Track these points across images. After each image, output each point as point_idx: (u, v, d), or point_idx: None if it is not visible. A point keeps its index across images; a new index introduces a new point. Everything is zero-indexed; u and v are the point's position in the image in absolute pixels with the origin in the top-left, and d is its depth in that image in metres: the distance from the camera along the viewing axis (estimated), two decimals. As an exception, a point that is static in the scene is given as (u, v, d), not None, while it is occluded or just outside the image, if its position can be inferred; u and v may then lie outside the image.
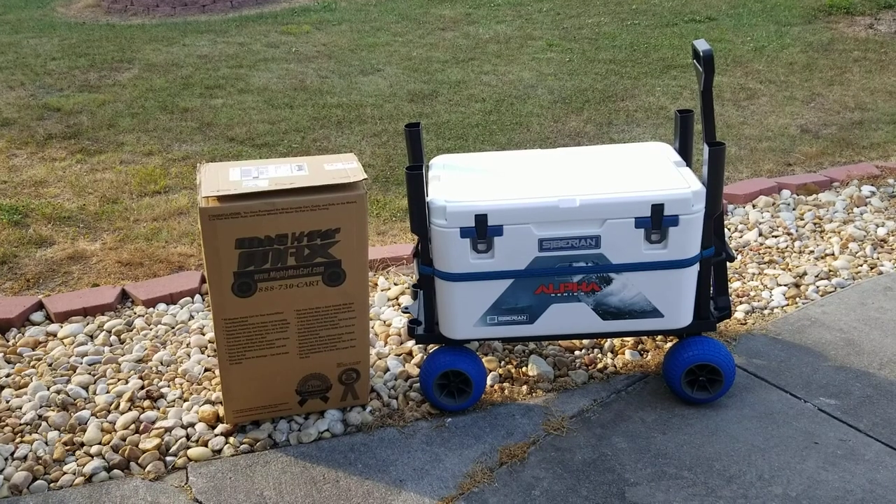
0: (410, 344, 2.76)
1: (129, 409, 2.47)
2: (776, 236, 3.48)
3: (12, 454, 2.30)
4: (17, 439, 2.36)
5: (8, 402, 2.51)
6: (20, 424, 2.41)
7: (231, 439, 2.36)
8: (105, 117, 4.98)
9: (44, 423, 2.42)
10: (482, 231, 2.23)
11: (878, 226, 3.53)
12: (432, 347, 2.67)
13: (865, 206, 3.73)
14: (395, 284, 3.15)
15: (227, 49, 6.53)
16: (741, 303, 2.97)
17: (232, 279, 2.21)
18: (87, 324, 2.91)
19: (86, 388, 2.58)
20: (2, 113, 5.06)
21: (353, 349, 2.38)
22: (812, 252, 3.34)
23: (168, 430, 2.39)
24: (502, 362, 2.67)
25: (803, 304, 2.98)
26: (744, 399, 2.48)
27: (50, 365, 2.69)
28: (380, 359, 2.69)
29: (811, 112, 4.99)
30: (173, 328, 2.90)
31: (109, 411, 2.48)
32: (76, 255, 3.39)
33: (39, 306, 3.01)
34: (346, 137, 4.67)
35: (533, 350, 2.72)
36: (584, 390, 2.54)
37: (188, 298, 3.07)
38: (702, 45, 2.31)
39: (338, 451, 2.32)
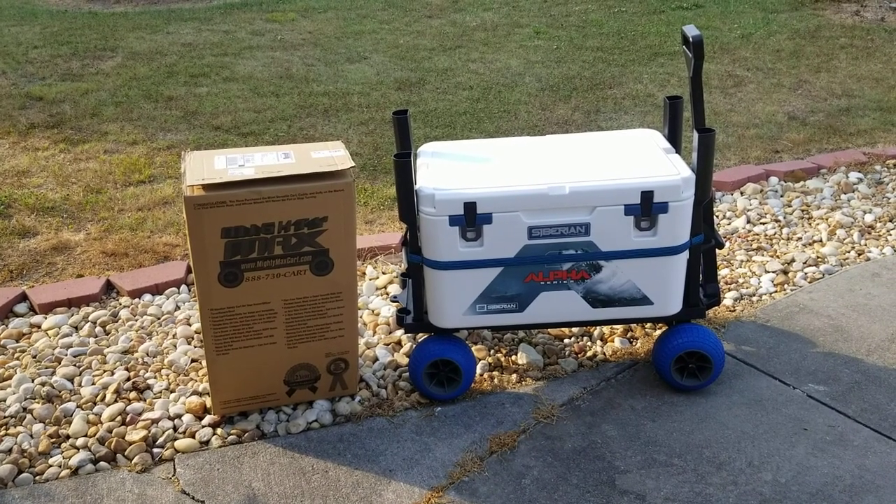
0: (399, 333, 2.74)
1: (116, 401, 2.45)
2: (764, 223, 3.48)
3: (-3, 447, 2.28)
4: (2, 432, 2.33)
5: (-8, 394, 2.48)
6: (4, 417, 2.38)
7: (219, 430, 2.34)
8: (88, 106, 4.92)
9: (28, 416, 2.39)
10: (471, 219, 2.22)
11: (865, 212, 3.54)
12: (421, 336, 2.65)
13: (853, 192, 3.74)
14: (384, 273, 3.13)
15: (211, 37, 6.47)
16: (730, 290, 2.97)
17: (218, 269, 2.19)
18: (72, 315, 2.88)
19: (71, 379, 2.55)
20: (-17, 102, 5.00)
21: (341, 339, 2.37)
22: (800, 239, 3.34)
23: (155, 421, 2.37)
24: (492, 351, 2.66)
25: (791, 290, 2.98)
26: (733, 386, 2.48)
27: (34, 357, 2.66)
28: (368, 348, 2.67)
29: (798, 99, 4.99)
30: (159, 319, 2.87)
31: (95, 403, 2.45)
32: (60, 245, 3.35)
33: (23, 297, 2.97)
34: (333, 126, 4.64)
35: (522, 338, 2.71)
36: (573, 378, 2.54)
37: (174, 289, 3.04)
38: (691, 30, 2.29)
39: (327, 441, 2.30)
